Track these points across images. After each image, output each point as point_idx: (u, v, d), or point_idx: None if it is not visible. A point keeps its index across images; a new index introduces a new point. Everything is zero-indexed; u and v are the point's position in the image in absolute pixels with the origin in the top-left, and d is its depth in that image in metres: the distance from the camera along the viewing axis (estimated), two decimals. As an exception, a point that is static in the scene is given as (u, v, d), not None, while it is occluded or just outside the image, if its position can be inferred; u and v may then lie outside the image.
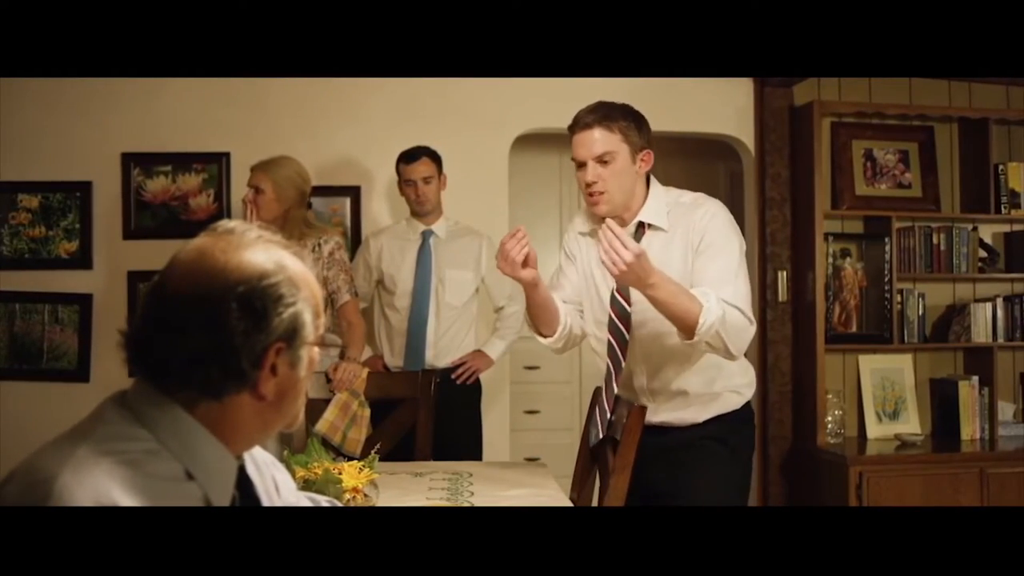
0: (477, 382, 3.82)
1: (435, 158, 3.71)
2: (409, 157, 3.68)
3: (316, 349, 1.24)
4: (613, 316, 2.49)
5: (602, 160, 2.40)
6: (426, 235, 3.75)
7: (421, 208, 3.72)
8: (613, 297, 2.49)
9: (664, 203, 2.50)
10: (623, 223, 2.44)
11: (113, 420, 1.15)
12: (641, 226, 2.49)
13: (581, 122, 2.43)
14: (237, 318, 1.14)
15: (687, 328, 2.25)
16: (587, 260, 2.60)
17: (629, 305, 2.47)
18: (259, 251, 1.19)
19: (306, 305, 1.20)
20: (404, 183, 3.71)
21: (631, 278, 2.20)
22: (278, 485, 1.39)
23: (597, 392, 2.64)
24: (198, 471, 1.16)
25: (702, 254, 2.40)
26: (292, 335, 1.18)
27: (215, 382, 1.15)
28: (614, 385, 2.53)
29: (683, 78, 4.31)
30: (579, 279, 2.63)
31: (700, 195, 2.55)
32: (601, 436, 2.56)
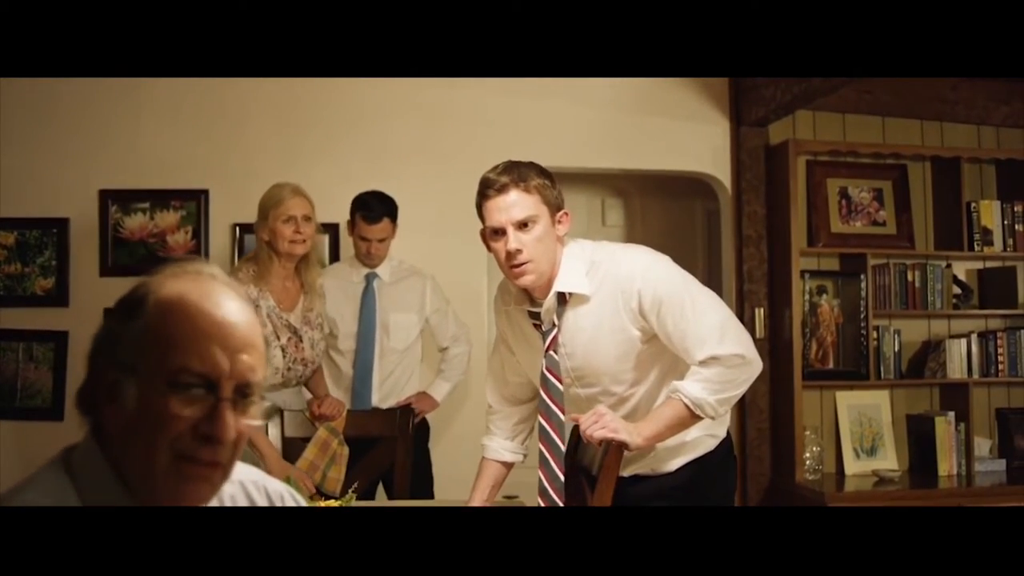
0: (424, 422, 3.75)
1: (394, 216, 3.59)
2: (370, 216, 3.54)
3: None
4: (547, 398, 2.33)
5: (523, 225, 2.20)
6: (370, 278, 3.65)
7: (370, 262, 3.63)
8: (544, 377, 2.33)
9: (580, 264, 2.28)
10: (543, 294, 2.29)
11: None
12: (562, 297, 2.27)
13: (495, 185, 2.20)
14: None
15: (696, 420, 2.22)
16: (519, 336, 2.44)
17: (561, 384, 2.32)
18: None
19: None
20: (358, 237, 3.58)
21: (636, 439, 2.18)
22: None
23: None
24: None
25: (652, 315, 2.22)
26: None
27: None
28: (555, 468, 2.36)
29: (662, 118, 4.37)
30: (516, 361, 2.50)
31: (615, 246, 2.36)
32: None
